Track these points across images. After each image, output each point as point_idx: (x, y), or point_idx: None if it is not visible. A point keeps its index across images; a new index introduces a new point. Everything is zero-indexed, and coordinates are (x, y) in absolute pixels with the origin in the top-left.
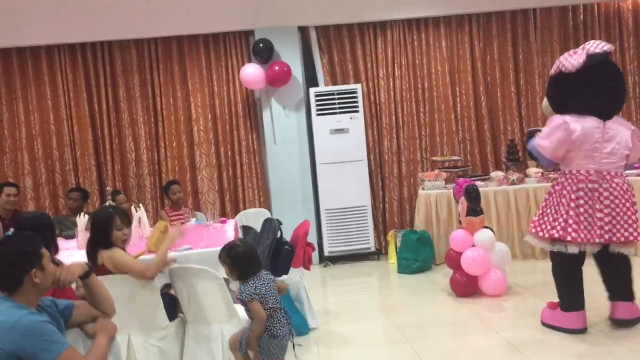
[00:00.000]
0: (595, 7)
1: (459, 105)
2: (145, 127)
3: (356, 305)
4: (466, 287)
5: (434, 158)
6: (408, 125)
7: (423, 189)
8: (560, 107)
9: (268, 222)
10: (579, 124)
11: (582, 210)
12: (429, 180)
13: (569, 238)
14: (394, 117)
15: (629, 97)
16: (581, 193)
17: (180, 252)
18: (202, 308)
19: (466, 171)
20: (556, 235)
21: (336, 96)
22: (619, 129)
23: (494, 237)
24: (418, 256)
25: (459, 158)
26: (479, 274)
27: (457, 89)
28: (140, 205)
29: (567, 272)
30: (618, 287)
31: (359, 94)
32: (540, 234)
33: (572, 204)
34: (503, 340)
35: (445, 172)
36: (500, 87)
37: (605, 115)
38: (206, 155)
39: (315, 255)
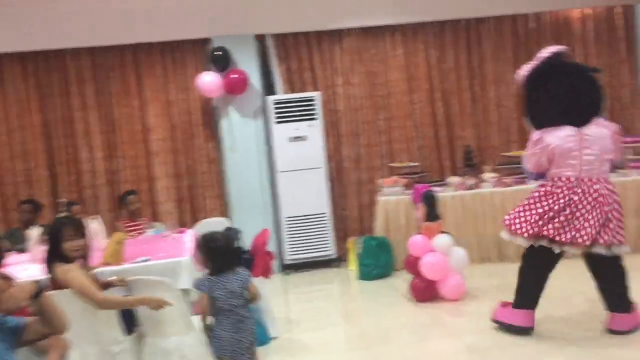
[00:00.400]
0: (545, 15)
1: (416, 112)
2: (101, 137)
3: (317, 313)
4: (426, 292)
5: (392, 164)
6: (366, 133)
7: (382, 195)
8: (533, 121)
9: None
10: (553, 136)
11: (564, 212)
12: (388, 187)
13: (545, 234)
14: (352, 125)
15: None
16: (555, 198)
17: (138, 264)
18: (159, 321)
19: (424, 177)
20: (530, 232)
21: (294, 104)
22: (599, 133)
23: (452, 242)
24: (378, 262)
25: (417, 164)
26: (438, 278)
27: (414, 96)
28: (98, 216)
29: (539, 270)
30: (613, 299)
31: (317, 102)
32: (522, 231)
33: (556, 207)
34: (464, 344)
35: (403, 178)
36: (455, 95)
37: (579, 122)
38: (164, 164)
39: (276, 264)
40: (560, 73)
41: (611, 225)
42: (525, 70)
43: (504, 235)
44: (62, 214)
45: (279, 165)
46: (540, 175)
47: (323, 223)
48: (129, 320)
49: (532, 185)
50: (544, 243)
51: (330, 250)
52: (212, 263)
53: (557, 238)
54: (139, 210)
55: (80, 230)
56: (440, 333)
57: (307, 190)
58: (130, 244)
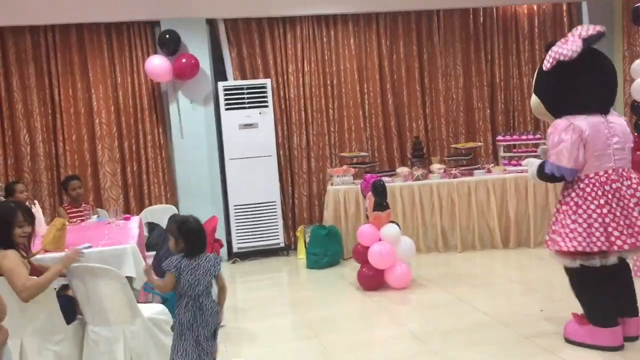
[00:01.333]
0: (494, 10)
1: (366, 102)
2: (42, 119)
3: (265, 302)
4: (373, 280)
5: (342, 154)
6: (317, 121)
7: (332, 184)
8: (558, 105)
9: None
10: (585, 122)
11: (617, 213)
12: (338, 176)
13: (615, 248)
14: (303, 113)
15: (524, 97)
16: (609, 196)
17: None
18: (103, 309)
19: (373, 167)
20: (604, 248)
21: (245, 91)
22: (619, 120)
23: (399, 232)
24: (327, 251)
25: (367, 154)
26: (385, 267)
27: (365, 86)
28: (36, 202)
29: (594, 283)
30: (626, 302)
31: (269, 89)
32: (565, 248)
33: (604, 210)
34: (408, 331)
35: (353, 167)
36: (405, 85)
37: (605, 109)
38: (109, 149)
39: (224, 252)
40: (593, 56)
41: None
42: (568, 50)
43: (553, 257)
44: (0, 198)
45: (228, 152)
46: (574, 172)
47: (272, 211)
48: (69, 309)
49: (493, 176)
50: (612, 259)
51: (279, 238)
52: (186, 244)
53: (623, 247)
54: (81, 196)
55: (30, 216)
56: (386, 321)
57: (256, 178)
58: (72, 230)
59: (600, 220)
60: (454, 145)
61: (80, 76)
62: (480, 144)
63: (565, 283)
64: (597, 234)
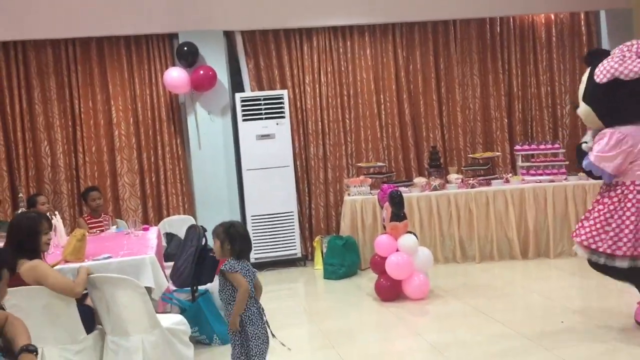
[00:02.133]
0: (511, 20)
1: (383, 113)
2: (62, 131)
3: (282, 312)
4: (390, 291)
5: (359, 164)
6: (334, 132)
7: (349, 194)
8: (610, 115)
9: (192, 229)
10: (635, 133)
11: None
12: (355, 186)
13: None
14: (320, 124)
15: (542, 106)
16: None
17: (100, 262)
18: (122, 319)
19: (390, 177)
20: (628, 254)
21: (262, 102)
22: None
23: (417, 242)
24: (344, 262)
25: (384, 164)
26: (402, 278)
27: (382, 96)
28: (57, 212)
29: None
30: None
31: (285, 100)
32: (594, 246)
33: None
34: (426, 343)
35: (370, 178)
36: (422, 96)
37: None
38: (127, 160)
39: None
40: None
41: None
42: (636, 67)
43: (579, 251)
44: (20, 210)
45: (245, 163)
46: (612, 176)
47: (289, 222)
48: (89, 319)
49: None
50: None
51: (296, 249)
52: (233, 247)
53: None
54: (101, 207)
55: (49, 223)
56: (403, 332)
57: (274, 189)
58: (92, 241)
59: (631, 227)
60: (471, 155)
61: (100, 88)
62: (498, 153)
63: (584, 294)
64: (625, 239)
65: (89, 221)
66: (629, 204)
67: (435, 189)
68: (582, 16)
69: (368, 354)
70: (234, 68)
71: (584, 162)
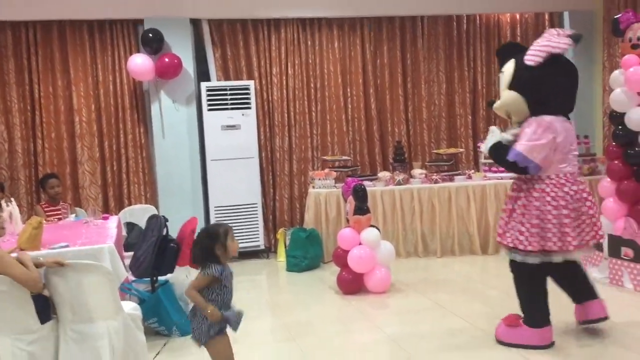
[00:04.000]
0: (477, 18)
1: (349, 106)
2: (21, 116)
3: (244, 304)
4: (352, 284)
5: (324, 157)
6: (300, 124)
7: (313, 187)
8: (541, 103)
9: (153, 219)
10: (561, 124)
11: (572, 215)
12: (319, 179)
13: (571, 248)
14: (286, 115)
15: None
16: (569, 198)
17: (56, 250)
18: (86, 306)
19: (355, 171)
20: (555, 248)
21: (228, 92)
22: (572, 127)
23: (379, 236)
24: (307, 254)
25: (349, 158)
26: (364, 271)
27: (349, 90)
28: (12, 199)
29: (532, 284)
30: (583, 287)
31: (252, 91)
32: (521, 246)
33: (565, 211)
34: (386, 336)
35: (335, 171)
36: (389, 90)
37: (570, 113)
38: (88, 148)
39: None
40: (566, 61)
41: (595, 221)
42: (567, 40)
43: (505, 252)
44: None
45: (210, 153)
46: (539, 168)
47: (253, 213)
48: (44, 309)
49: (473, 182)
50: (545, 256)
51: (259, 240)
52: (217, 253)
53: (579, 246)
54: (59, 195)
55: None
56: (364, 325)
57: (238, 180)
58: (49, 229)
59: (555, 221)
60: (435, 151)
61: (61, 73)
62: (461, 150)
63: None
64: (550, 234)
65: (46, 209)
66: (548, 198)
67: (399, 183)
68: (547, 17)
69: (329, 346)
70: (200, 57)
71: (512, 154)
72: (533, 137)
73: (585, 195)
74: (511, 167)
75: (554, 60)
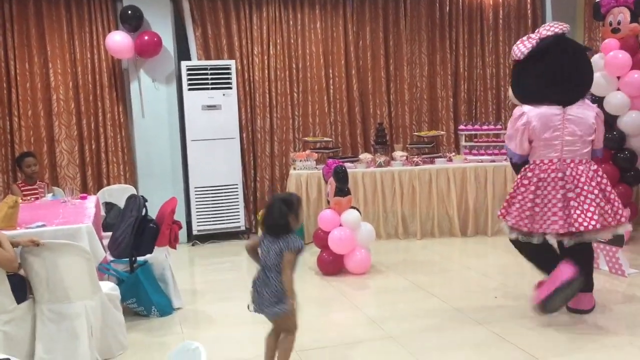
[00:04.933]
0: (460, 0)
1: (331, 87)
2: None
3: (223, 285)
4: (332, 265)
5: (305, 139)
6: (281, 105)
7: (294, 168)
8: (522, 95)
9: (132, 199)
10: (536, 112)
11: (538, 201)
12: (300, 161)
13: (524, 228)
14: (267, 96)
15: (486, 87)
16: (542, 183)
17: (33, 230)
18: (63, 285)
19: (336, 152)
20: (525, 229)
21: (209, 71)
22: (583, 113)
23: (360, 217)
24: None
25: (330, 139)
26: (344, 252)
27: (330, 71)
28: None
29: (537, 257)
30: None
31: (233, 70)
32: (505, 222)
33: (530, 195)
34: (365, 316)
35: (316, 152)
36: (371, 72)
37: (565, 101)
38: (66, 126)
39: (183, 234)
40: (557, 49)
41: (602, 206)
42: (520, 52)
43: (500, 224)
44: None
45: (190, 133)
46: (523, 157)
47: (234, 194)
48: (20, 289)
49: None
50: (535, 239)
51: (240, 221)
52: (290, 223)
53: (527, 227)
54: (36, 174)
55: None
56: (344, 306)
57: (218, 161)
58: (25, 208)
59: (529, 204)
60: (416, 133)
61: (37, 50)
62: (442, 132)
63: (519, 271)
64: (523, 215)
65: (23, 188)
66: (525, 181)
67: (380, 165)
68: (529, 0)
69: (308, 327)
70: (180, 35)
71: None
72: (509, 126)
73: (573, 180)
74: (512, 164)
75: (539, 53)
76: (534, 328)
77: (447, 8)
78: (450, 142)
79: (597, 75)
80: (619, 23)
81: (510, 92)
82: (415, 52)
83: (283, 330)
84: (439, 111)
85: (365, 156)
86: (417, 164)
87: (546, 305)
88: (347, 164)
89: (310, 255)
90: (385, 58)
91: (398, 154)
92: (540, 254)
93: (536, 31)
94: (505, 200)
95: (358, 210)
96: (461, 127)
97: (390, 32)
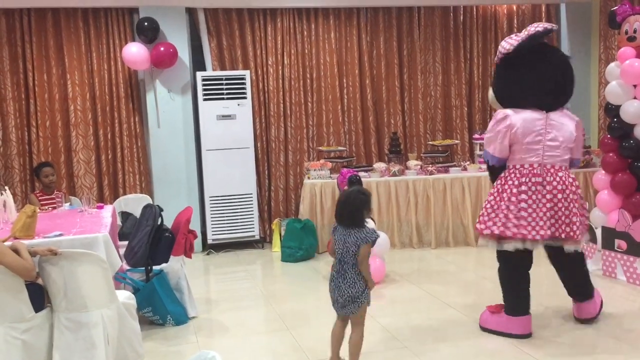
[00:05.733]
0: (474, 9)
1: (345, 97)
2: (15, 104)
3: (238, 294)
4: None
5: (320, 148)
6: (296, 114)
7: (308, 178)
8: (503, 98)
9: (148, 208)
10: (519, 116)
11: (524, 205)
12: (315, 170)
13: (508, 234)
14: (282, 106)
15: None
16: (524, 187)
17: (51, 239)
18: (80, 294)
19: (350, 162)
20: (496, 232)
21: (224, 81)
22: (563, 120)
23: (374, 227)
24: (302, 245)
25: (344, 149)
26: None
27: (345, 80)
28: (7, 188)
29: (512, 273)
30: (577, 288)
31: (247, 81)
32: (485, 231)
33: (513, 199)
34: (380, 326)
35: (330, 162)
36: (385, 81)
37: (548, 107)
38: (83, 136)
39: (198, 243)
40: (541, 53)
41: (571, 217)
42: (508, 44)
43: (480, 240)
44: None
45: (205, 143)
46: (502, 161)
47: (248, 203)
48: (38, 297)
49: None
50: (518, 245)
51: (254, 231)
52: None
53: (518, 235)
54: (54, 184)
55: None
56: None
57: (233, 170)
58: (43, 218)
59: (512, 207)
60: (431, 142)
61: (55, 61)
62: (457, 141)
63: (534, 280)
64: (497, 220)
65: (40, 198)
66: (506, 187)
67: (394, 174)
68: (544, 8)
69: (323, 336)
70: (195, 46)
71: (484, 154)
72: (488, 130)
73: (550, 188)
74: (487, 167)
75: (520, 56)
76: (549, 338)
77: (461, 17)
78: (465, 151)
79: (613, 84)
80: (634, 31)
81: (490, 93)
82: (430, 61)
83: (354, 323)
84: (453, 120)
85: (379, 165)
86: (431, 173)
87: (484, 330)
88: (361, 173)
89: (324, 264)
90: (399, 67)
91: (412, 163)
92: (521, 275)
93: (524, 30)
94: (484, 209)
95: (373, 219)
96: (476, 136)
97: (404, 41)
